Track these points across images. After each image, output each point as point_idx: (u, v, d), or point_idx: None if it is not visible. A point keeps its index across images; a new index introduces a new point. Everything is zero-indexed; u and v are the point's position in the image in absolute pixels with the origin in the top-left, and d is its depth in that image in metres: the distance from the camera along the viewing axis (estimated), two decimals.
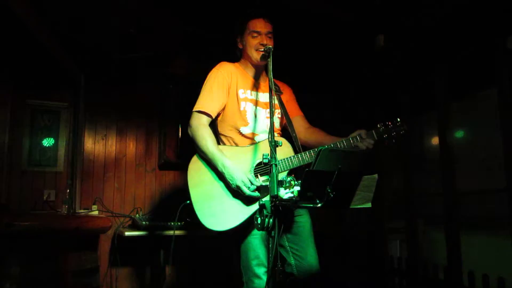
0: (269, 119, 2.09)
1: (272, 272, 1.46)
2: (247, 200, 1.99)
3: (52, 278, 2.51)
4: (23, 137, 3.34)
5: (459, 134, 4.02)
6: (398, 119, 2.07)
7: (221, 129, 2.21)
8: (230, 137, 2.17)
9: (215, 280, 3.55)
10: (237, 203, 2.00)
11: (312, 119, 2.39)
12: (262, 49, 2.05)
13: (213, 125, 2.26)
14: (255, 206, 1.97)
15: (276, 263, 1.45)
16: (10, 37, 2.81)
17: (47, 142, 3.42)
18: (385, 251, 3.72)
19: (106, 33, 2.95)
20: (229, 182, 1.98)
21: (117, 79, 3.63)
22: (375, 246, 3.81)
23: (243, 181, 1.93)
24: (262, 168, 2.05)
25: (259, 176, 2.03)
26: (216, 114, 2.13)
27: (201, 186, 2.04)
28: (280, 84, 2.36)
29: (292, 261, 2.10)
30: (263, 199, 1.51)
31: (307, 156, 2.02)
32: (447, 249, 2.93)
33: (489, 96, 3.07)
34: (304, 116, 2.39)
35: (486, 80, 3.20)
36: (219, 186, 2.03)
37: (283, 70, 2.42)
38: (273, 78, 2.14)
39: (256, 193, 1.95)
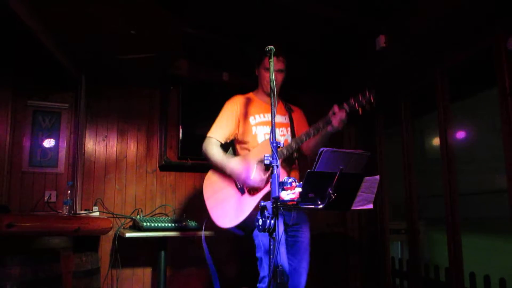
0: (284, 137, 2.44)
1: (273, 273, 1.46)
2: (253, 192, 2.25)
3: (53, 279, 2.50)
4: (24, 138, 3.34)
5: (460, 134, 4.02)
6: (366, 91, 2.19)
7: (238, 152, 2.53)
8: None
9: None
10: (245, 198, 2.26)
11: (312, 120, 2.39)
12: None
13: (233, 149, 2.60)
14: (259, 195, 2.22)
15: (277, 264, 1.45)
16: (11, 38, 2.81)
17: (48, 143, 3.42)
18: (386, 252, 3.71)
19: (107, 34, 2.95)
20: (237, 176, 2.27)
21: (118, 80, 3.63)
22: (377, 247, 3.80)
23: (253, 168, 2.22)
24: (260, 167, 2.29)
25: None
26: (224, 140, 2.47)
27: (214, 195, 2.37)
28: (293, 107, 2.65)
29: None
30: (263, 202, 1.51)
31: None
32: (448, 250, 2.93)
33: (490, 96, 3.07)
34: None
35: (486, 80, 3.21)
36: (228, 190, 2.34)
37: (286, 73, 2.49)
38: (287, 102, 2.62)
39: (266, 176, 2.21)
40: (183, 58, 3.67)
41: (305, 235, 2.35)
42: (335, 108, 2.21)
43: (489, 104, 3.10)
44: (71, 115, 3.50)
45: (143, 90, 3.73)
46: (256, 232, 2.20)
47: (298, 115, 2.63)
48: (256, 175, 2.22)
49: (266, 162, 1.54)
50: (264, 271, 2.13)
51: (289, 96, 2.74)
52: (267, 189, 2.21)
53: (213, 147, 2.41)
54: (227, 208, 2.29)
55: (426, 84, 3.25)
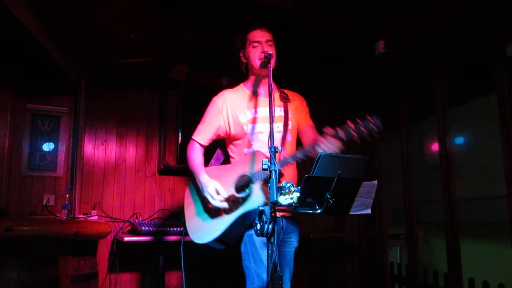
0: (279, 134, 2.20)
1: (271, 278, 1.46)
2: (229, 210, 2.08)
3: (51, 283, 2.50)
4: (23, 141, 3.33)
5: (459, 140, 4.02)
6: (367, 115, 1.75)
7: (230, 152, 2.32)
8: (237, 158, 2.25)
9: (216, 286, 3.54)
10: (219, 216, 2.11)
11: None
12: (263, 56, 2.04)
13: (225, 149, 2.38)
14: (233, 216, 2.03)
15: (275, 269, 1.45)
16: (11, 41, 2.82)
17: (47, 146, 3.42)
18: (385, 257, 3.71)
19: (106, 38, 2.96)
20: (202, 190, 2.14)
21: (117, 84, 3.63)
22: (375, 252, 3.80)
23: (209, 193, 2.08)
24: (241, 181, 2.10)
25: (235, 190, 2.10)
26: (207, 142, 2.29)
27: (191, 205, 2.28)
28: (290, 93, 2.34)
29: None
30: (261, 207, 1.50)
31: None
32: (447, 255, 2.93)
33: (488, 102, 3.07)
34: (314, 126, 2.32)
35: (485, 86, 3.21)
36: (204, 202, 2.20)
37: (285, 77, 2.44)
38: (284, 89, 2.33)
39: (223, 204, 2.06)
40: (183, 62, 3.68)
41: (292, 245, 2.19)
42: (327, 132, 1.82)
43: (488, 110, 3.10)
44: (71, 119, 3.50)
45: (143, 94, 3.73)
46: (245, 237, 2.05)
47: (295, 105, 2.31)
48: (219, 196, 2.06)
49: (264, 167, 1.53)
50: (252, 282, 1.99)
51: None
52: (241, 210, 2.00)
53: (192, 151, 2.27)
54: (201, 222, 2.15)
55: (426, 89, 3.26)
